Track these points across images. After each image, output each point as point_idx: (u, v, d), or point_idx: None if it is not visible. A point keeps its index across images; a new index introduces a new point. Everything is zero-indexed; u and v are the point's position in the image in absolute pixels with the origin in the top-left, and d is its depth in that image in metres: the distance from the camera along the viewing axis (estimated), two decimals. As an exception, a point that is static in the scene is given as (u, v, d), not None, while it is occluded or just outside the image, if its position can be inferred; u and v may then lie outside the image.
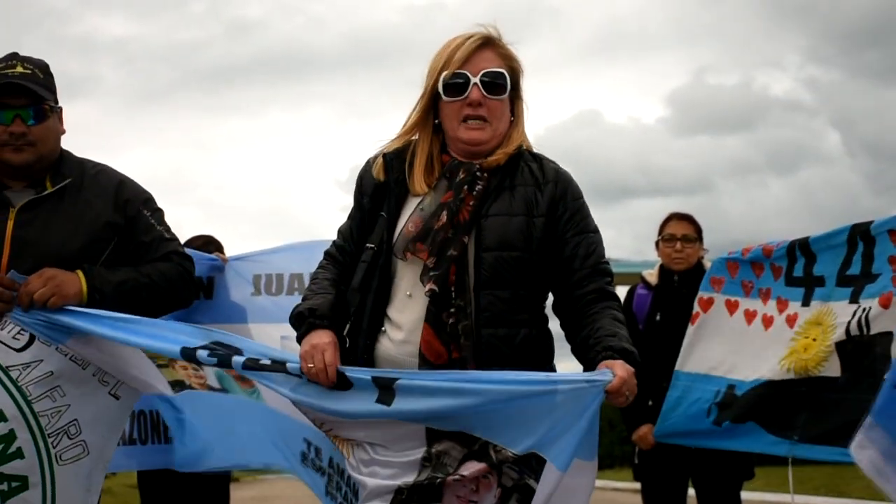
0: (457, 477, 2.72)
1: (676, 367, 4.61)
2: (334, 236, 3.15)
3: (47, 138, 3.18)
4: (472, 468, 2.72)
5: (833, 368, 3.97)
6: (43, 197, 3.18)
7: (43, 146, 3.17)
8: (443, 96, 2.93)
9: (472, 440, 2.72)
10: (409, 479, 2.75)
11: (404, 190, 2.97)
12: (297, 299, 3.10)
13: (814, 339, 4.03)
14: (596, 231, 2.98)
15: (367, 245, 2.97)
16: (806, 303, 4.16)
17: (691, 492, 5.16)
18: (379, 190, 3.00)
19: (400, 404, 2.70)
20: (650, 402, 5.09)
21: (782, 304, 4.26)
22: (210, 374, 3.53)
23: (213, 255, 4.47)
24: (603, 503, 13.65)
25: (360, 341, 2.91)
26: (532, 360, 2.83)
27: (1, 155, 3.13)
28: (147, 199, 3.37)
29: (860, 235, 3.93)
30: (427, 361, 2.82)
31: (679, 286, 5.16)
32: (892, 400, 2.84)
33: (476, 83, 2.90)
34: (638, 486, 5.41)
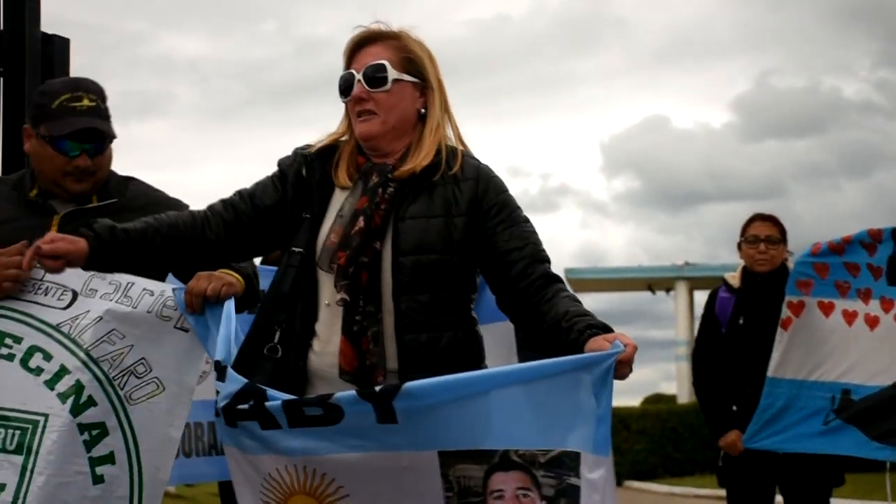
0: (497, 495, 2.51)
1: (772, 374, 4.52)
2: None
3: (105, 167, 3.25)
4: (505, 481, 2.52)
5: None
6: (87, 209, 3.22)
7: (101, 174, 3.23)
8: (340, 98, 2.93)
9: (489, 455, 2.52)
10: None
11: (329, 188, 2.91)
12: None
13: None
14: (527, 221, 2.86)
15: (294, 249, 2.89)
16: None
17: (779, 498, 5.07)
18: (301, 184, 2.93)
19: (406, 414, 2.44)
20: (734, 408, 5.03)
21: (888, 304, 4.16)
22: None
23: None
24: (684, 510, 13.48)
25: (291, 353, 2.82)
26: (461, 363, 2.72)
27: (61, 182, 3.19)
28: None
29: None
30: (345, 373, 2.76)
31: (762, 288, 5.06)
32: None
33: (359, 79, 2.86)
34: (722, 493, 5.33)
